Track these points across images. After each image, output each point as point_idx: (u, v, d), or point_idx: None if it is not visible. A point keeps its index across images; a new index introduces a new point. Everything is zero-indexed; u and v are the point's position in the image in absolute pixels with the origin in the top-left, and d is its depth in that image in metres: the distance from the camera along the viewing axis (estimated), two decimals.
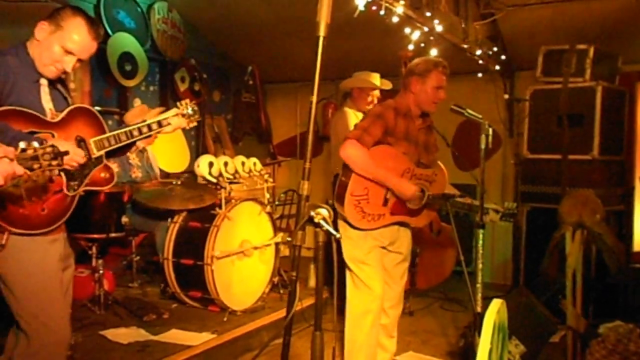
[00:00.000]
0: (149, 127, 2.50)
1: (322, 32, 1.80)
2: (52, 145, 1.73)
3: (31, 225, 2.14)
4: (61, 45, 2.18)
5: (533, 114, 4.92)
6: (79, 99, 4.69)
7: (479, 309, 3.12)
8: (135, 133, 2.44)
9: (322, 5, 1.79)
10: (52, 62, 2.20)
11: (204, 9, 5.70)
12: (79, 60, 2.25)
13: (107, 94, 5.17)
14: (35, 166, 1.70)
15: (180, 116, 2.63)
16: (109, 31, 5.01)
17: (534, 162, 4.95)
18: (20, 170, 1.69)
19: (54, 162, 1.73)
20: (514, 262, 5.28)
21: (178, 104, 2.70)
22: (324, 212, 1.83)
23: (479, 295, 3.15)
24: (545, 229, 4.29)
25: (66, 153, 1.81)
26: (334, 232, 1.81)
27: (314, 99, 1.81)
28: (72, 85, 4.66)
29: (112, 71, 5.01)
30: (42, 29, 2.19)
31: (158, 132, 2.55)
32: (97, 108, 4.90)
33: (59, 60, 2.20)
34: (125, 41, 5.15)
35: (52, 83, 2.29)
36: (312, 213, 1.82)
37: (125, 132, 2.41)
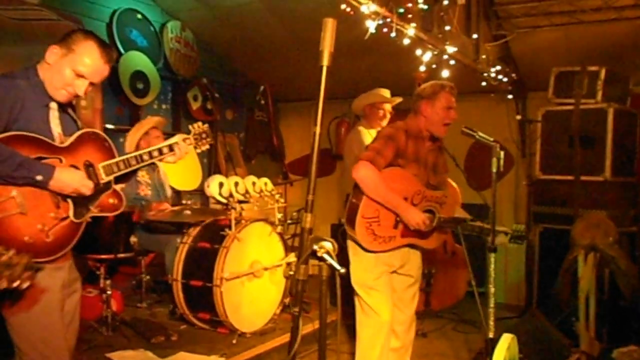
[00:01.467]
0: (160, 151, 2.48)
1: (325, 61, 1.77)
2: (28, 258, 1.73)
3: (36, 253, 2.08)
4: (72, 69, 2.16)
5: (545, 135, 4.90)
6: (91, 117, 4.71)
7: (491, 335, 3.06)
8: (146, 157, 2.42)
9: (326, 35, 1.77)
10: (64, 86, 2.18)
11: (217, 28, 5.74)
12: (91, 83, 2.23)
13: (119, 112, 5.21)
14: (6, 273, 1.69)
15: (191, 139, 2.61)
16: (122, 50, 5.06)
17: (546, 183, 4.92)
18: None
19: (26, 275, 1.73)
20: (527, 283, 5.22)
21: (190, 126, 2.67)
22: (327, 245, 1.78)
23: (491, 320, 3.10)
24: (558, 249, 4.26)
25: (39, 269, 1.83)
26: (337, 266, 1.76)
27: (317, 129, 1.78)
28: (83, 103, 4.69)
29: (124, 90, 5.05)
30: (54, 53, 2.17)
31: (169, 156, 2.52)
32: (109, 126, 5.01)
33: (71, 84, 2.18)
34: (137, 60, 5.19)
35: (62, 107, 2.27)
36: (315, 247, 1.78)
37: (136, 156, 2.38)
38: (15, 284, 1.73)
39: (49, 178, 2.05)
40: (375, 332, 3.11)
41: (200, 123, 2.70)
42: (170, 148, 2.51)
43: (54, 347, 2.20)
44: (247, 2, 5.03)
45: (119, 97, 5.12)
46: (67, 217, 2.18)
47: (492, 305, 3.08)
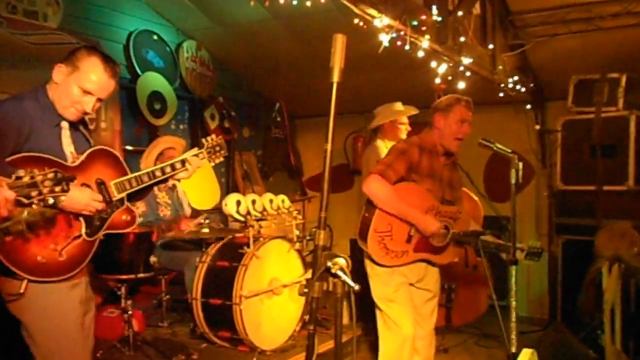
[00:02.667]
0: (172, 166, 2.47)
1: (335, 77, 1.76)
2: (55, 171, 1.64)
3: (50, 272, 2.10)
4: (79, 86, 2.16)
5: (565, 145, 4.84)
6: (110, 139, 4.77)
7: (513, 349, 3.00)
8: (158, 174, 2.42)
9: (336, 50, 1.76)
10: (72, 104, 2.18)
11: (232, 47, 5.79)
12: (99, 100, 2.24)
13: (138, 133, 5.25)
14: (34, 193, 1.59)
15: (204, 153, 2.61)
16: (138, 71, 5.12)
17: (567, 193, 4.85)
18: (10, 194, 1.58)
19: (57, 188, 1.63)
20: (550, 296, 5.14)
21: (203, 140, 2.66)
22: (341, 261, 1.76)
23: (514, 334, 3.03)
24: (582, 261, 4.19)
25: (72, 178, 1.72)
26: (351, 283, 1.74)
27: (329, 147, 1.76)
28: (103, 125, 4.75)
29: (141, 110, 5.10)
30: (60, 72, 2.18)
31: (182, 171, 2.52)
32: (129, 147, 5.05)
33: (79, 102, 2.18)
34: (154, 80, 5.25)
35: (73, 125, 2.28)
36: (329, 263, 1.76)
37: (148, 173, 2.38)
38: (50, 201, 1.64)
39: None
40: (398, 347, 3.07)
41: (213, 136, 2.68)
42: (183, 163, 2.50)
43: None
44: (261, 20, 5.06)
45: (137, 118, 5.18)
46: (80, 235, 2.19)
47: (513, 319, 3.02)
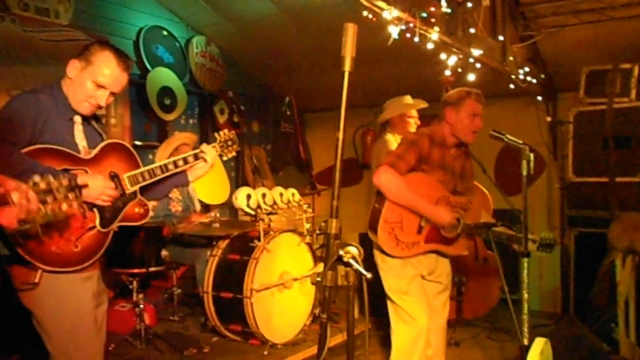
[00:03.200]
0: (185, 160, 2.49)
1: (347, 67, 1.76)
2: (69, 177, 1.67)
3: (64, 263, 2.13)
4: (92, 80, 2.20)
5: (577, 137, 4.79)
6: (120, 134, 4.79)
7: (525, 342, 2.99)
8: (171, 167, 2.43)
9: (347, 40, 1.76)
10: (86, 98, 2.22)
11: (241, 41, 5.79)
12: (112, 94, 2.27)
13: (147, 128, 5.28)
14: (49, 199, 1.63)
15: (217, 147, 2.62)
16: (148, 66, 5.14)
17: (580, 185, 4.81)
18: (34, 196, 1.61)
19: (71, 195, 1.66)
20: (563, 289, 5.09)
21: (216, 134, 2.68)
22: (353, 250, 1.76)
23: (526, 327, 3.02)
24: (595, 254, 4.16)
25: (84, 186, 1.75)
26: (363, 271, 1.74)
27: (340, 135, 1.76)
28: (113, 121, 4.78)
29: (151, 105, 5.12)
30: (74, 67, 2.22)
31: (193, 165, 2.54)
32: (138, 143, 5.08)
33: (92, 96, 2.22)
34: (164, 76, 5.27)
35: (86, 120, 2.31)
36: (341, 252, 1.76)
37: (160, 166, 2.39)
38: (63, 208, 1.68)
39: None
40: (412, 339, 3.06)
41: (226, 130, 2.70)
42: (196, 157, 2.53)
43: (86, 354, 2.23)
44: (270, 15, 5.06)
45: (146, 113, 5.20)
46: (94, 226, 2.21)
47: (525, 311, 3.00)
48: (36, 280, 2.10)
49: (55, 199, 1.64)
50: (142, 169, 2.35)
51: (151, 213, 3.95)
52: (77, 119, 2.26)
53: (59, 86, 2.23)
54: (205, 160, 2.56)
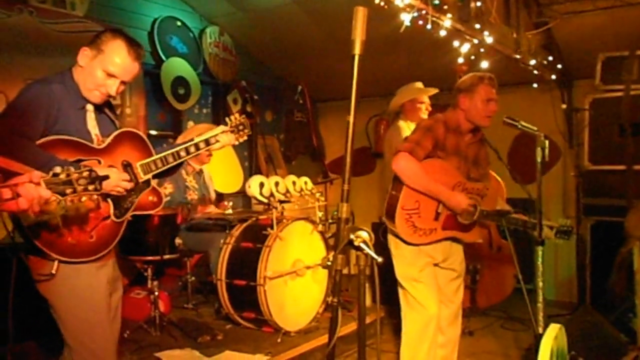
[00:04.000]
0: (196, 146, 2.48)
1: (357, 50, 1.76)
2: (90, 170, 1.68)
3: (80, 253, 2.15)
4: (103, 69, 2.18)
5: (593, 124, 4.73)
6: (135, 124, 4.84)
7: (540, 330, 2.96)
8: (183, 153, 2.43)
9: (357, 23, 1.76)
10: (96, 87, 2.20)
11: (254, 31, 5.81)
12: (123, 83, 2.25)
13: (162, 117, 5.32)
14: (68, 191, 1.64)
15: (228, 132, 2.59)
16: (163, 57, 5.18)
17: (596, 173, 4.75)
18: (46, 193, 1.62)
19: (91, 187, 1.67)
20: (579, 278, 5.05)
21: (227, 119, 2.66)
22: (364, 234, 1.76)
23: (541, 315, 3.00)
24: (611, 243, 4.11)
25: (105, 177, 1.76)
26: (374, 255, 1.74)
27: (351, 119, 1.77)
28: (128, 111, 4.82)
29: (166, 95, 5.16)
30: (85, 55, 2.20)
31: (207, 150, 2.54)
32: (153, 132, 5.12)
33: (103, 85, 2.20)
34: (178, 66, 5.30)
35: (98, 108, 2.30)
36: (352, 236, 1.76)
37: (173, 153, 2.39)
38: (82, 200, 1.71)
39: None
40: (422, 327, 3.07)
41: (237, 114, 2.68)
42: (207, 142, 2.51)
43: (101, 342, 2.25)
44: (283, 4, 5.06)
45: (161, 103, 5.24)
46: (109, 216, 2.23)
47: (540, 299, 2.98)
48: (53, 271, 2.12)
49: (74, 191, 1.65)
50: (155, 157, 2.35)
51: (167, 198, 3.99)
52: (89, 107, 2.26)
53: (70, 74, 2.23)
54: (218, 142, 2.54)
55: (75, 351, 2.23)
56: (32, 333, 3.32)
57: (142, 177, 2.31)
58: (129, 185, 2.23)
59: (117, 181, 2.18)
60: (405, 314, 3.15)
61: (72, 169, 1.65)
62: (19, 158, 1.92)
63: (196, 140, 2.49)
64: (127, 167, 2.27)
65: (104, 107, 2.36)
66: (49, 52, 4.25)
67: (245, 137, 2.71)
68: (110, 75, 2.20)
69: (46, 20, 4.25)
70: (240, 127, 2.66)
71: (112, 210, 2.23)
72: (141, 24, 5.14)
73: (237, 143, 2.68)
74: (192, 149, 2.46)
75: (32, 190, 1.59)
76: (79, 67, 2.22)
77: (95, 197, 1.72)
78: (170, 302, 4.30)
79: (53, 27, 4.28)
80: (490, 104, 3.00)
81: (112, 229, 2.25)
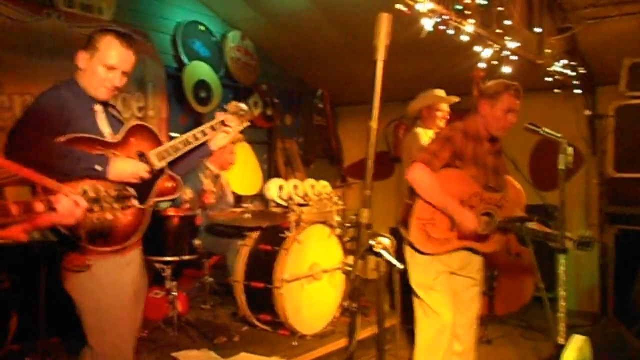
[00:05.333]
0: (203, 132, 2.57)
1: (380, 56, 1.76)
2: (118, 188, 1.77)
3: (109, 241, 2.23)
4: (102, 64, 2.29)
5: (618, 131, 4.67)
6: (157, 126, 4.90)
7: (561, 340, 2.90)
8: (191, 139, 2.51)
9: (381, 29, 1.76)
10: (101, 83, 2.31)
11: (276, 36, 5.84)
12: (124, 73, 2.35)
13: (183, 120, 5.37)
14: (96, 208, 1.71)
15: (234, 116, 2.65)
16: (185, 60, 5.24)
17: (620, 181, 4.68)
18: (84, 203, 1.70)
19: (116, 205, 1.75)
20: (601, 288, 4.97)
21: (225, 106, 2.71)
22: (384, 241, 1.75)
23: (562, 325, 2.94)
24: (635, 251, 4.03)
25: (131, 196, 1.85)
26: (395, 262, 1.72)
27: (374, 124, 1.76)
28: (150, 113, 4.89)
29: (187, 98, 5.21)
30: (83, 58, 2.32)
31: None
32: (174, 134, 5.17)
33: (106, 79, 2.31)
34: (200, 69, 5.35)
35: (105, 109, 2.41)
36: (372, 242, 1.75)
37: (182, 140, 2.48)
38: (108, 217, 1.78)
39: (106, 166, 2.17)
40: (436, 334, 3.03)
41: (234, 102, 2.72)
42: (213, 128, 2.60)
43: (124, 337, 2.33)
44: (304, 9, 5.09)
45: (182, 106, 5.29)
46: (132, 205, 2.28)
47: (562, 309, 2.92)
48: (89, 263, 2.21)
49: (102, 208, 1.72)
50: (166, 145, 2.44)
51: (185, 196, 4.01)
52: (98, 107, 2.37)
53: (74, 80, 2.34)
54: (227, 131, 2.62)
55: (96, 346, 2.29)
56: (57, 329, 3.39)
57: (157, 165, 2.38)
58: (147, 173, 2.31)
59: (135, 168, 2.26)
60: (419, 322, 3.12)
61: (100, 187, 1.74)
62: (41, 152, 2.04)
63: (202, 127, 2.57)
64: (142, 156, 2.36)
65: (110, 107, 2.46)
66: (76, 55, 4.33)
67: (248, 123, 2.76)
68: (110, 68, 2.31)
69: (74, 24, 4.33)
70: (241, 112, 2.71)
71: (134, 199, 2.29)
72: (165, 28, 5.21)
73: (240, 128, 2.70)
74: (200, 135, 2.55)
75: (67, 202, 1.65)
76: (80, 71, 2.34)
77: (120, 215, 1.79)
78: (188, 302, 4.32)
79: (81, 31, 4.36)
80: (510, 114, 2.96)
81: (136, 215, 2.32)
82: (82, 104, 2.30)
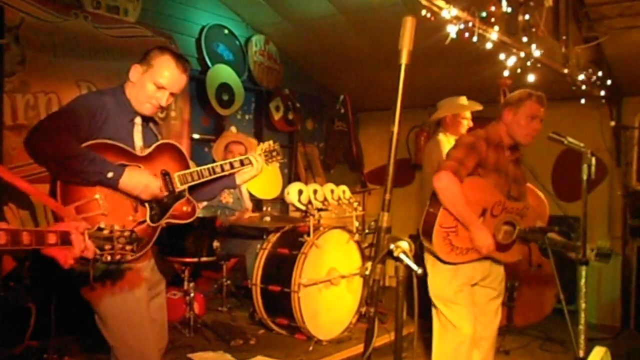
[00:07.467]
0: (231, 165, 2.62)
1: (404, 59, 1.76)
2: (132, 231, 1.76)
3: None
4: (153, 82, 2.31)
5: None
6: (179, 127, 4.95)
7: (581, 353, 2.86)
8: (218, 170, 2.54)
9: (405, 33, 1.76)
10: (147, 99, 2.33)
11: (299, 41, 5.87)
12: (172, 94, 2.37)
13: (205, 122, 5.43)
14: (107, 247, 1.70)
15: (263, 156, 2.73)
16: (209, 63, 5.29)
17: None
18: (91, 246, 1.67)
19: (128, 247, 1.75)
20: (623, 302, 4.88)
21: (260, 145, 2.79)
22: (404, 245, 1.72)
23: (582, 338, 2.89)
24: None
25: (142, 240, 1.84)
26: (414, 266, 1.70)
27: (395, 129, 1.75)
28: (173, 114, 4.94)
29: (210, 101, 5.26)
30: (136, 71, 2.34)
31: (240, 170, 2.66)
32: (196, 136, 5.23)
33: (153, 97, 2.33)
34: (223, 72, 5.40)
35: (145, 122, 2.43)
36: (392, 246, 1.73)
37: (208, 168, 2.51)
38: (117, 257, 1.76)
39: (119, 176, 2.15)
40: (455, 348, 3.00)
41: (271, 142, 2.83)
42: (242, 162, 2.65)
43: (144, 341, 2.33)
44: (328, 15, 5.10)
45: (205, 108, 5.34)
46: (144, 220, 2.30)
47: (582, 321, 2.88)
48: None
49: (112, 248, 1.72)
50: (192, 169, 2.46)
51: (200, 208, 4.06)
52: (138, 120, 2.39)
53: (122, 90, 2.36)
54: (251, 164, 2.67)
55: (119, 350, 2.31)
56: (70, 328, 3.43)
57: (179, 187, 2.40)
58: (159, 191, 2.30)
59: (148, 182, 2.24)
60: (437, 334, 3.10)
61: (116, 226, 1.74)
62: (58, 148, 2.04)
63: (231, 160, 2.63)
64: (166, 175, 2.37)
65: (150, 121, 2.48)
66: (101, 56, 4.40)
67: (277, 163, 2.86)
68: (160, 87, 2.33)
69: (100, 25, 4.40)
70: (274, 153, 2.82)
71: (148, 215, 2.30)
72: (189, 31, 5.27)
73: (268, 167, 2.80)
74: (227, 167, 2.60)
75: (81, 241, 1.63)
76: (130, 83, 2.36)
77: (129, 258, 1.81)
78: (205, 304, 4.35)
79: (106, 32, 4.44)
80: (534, 121, 2.93)
81: (147, 233, 2.32)
82: (123, 114, 2.32)
